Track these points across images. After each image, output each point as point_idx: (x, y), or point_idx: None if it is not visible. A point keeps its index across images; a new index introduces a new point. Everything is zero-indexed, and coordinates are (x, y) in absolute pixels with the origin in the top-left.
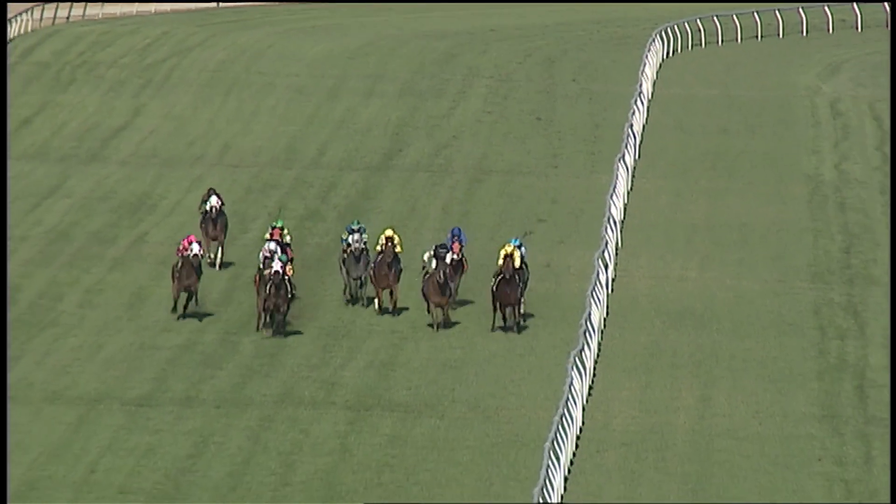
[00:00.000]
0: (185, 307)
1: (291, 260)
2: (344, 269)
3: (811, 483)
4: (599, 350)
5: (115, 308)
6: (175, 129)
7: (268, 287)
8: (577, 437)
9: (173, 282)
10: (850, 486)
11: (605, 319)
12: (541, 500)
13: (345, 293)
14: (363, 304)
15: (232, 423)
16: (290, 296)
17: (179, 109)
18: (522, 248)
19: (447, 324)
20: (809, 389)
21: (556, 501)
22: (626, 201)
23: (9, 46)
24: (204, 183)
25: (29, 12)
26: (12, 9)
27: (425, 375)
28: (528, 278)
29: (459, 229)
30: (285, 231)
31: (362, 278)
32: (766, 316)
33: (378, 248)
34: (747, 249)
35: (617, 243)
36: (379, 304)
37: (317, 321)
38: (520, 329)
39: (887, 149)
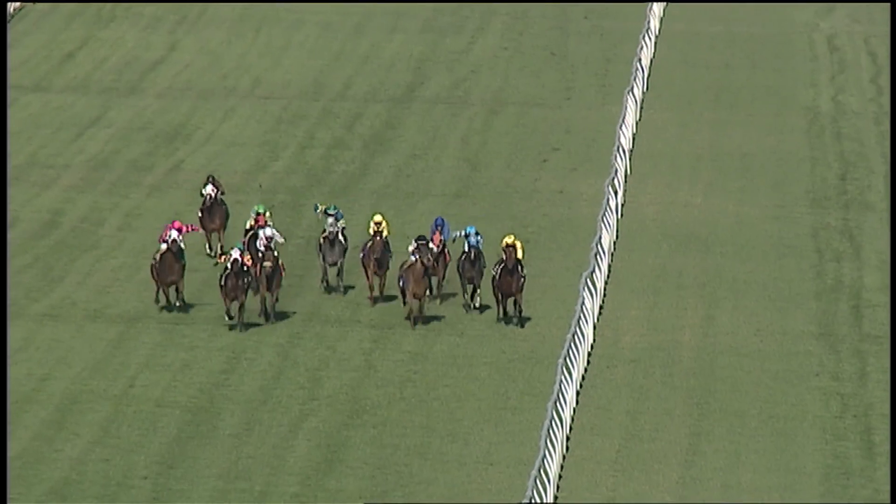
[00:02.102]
0: (169, 300)
1: (270, 245)
2: (320, 256)
3: (809, 397)
4: (610, 272)
5: (153, 232)
6: (209, 63)
7: (225, 278)
8: (589, 354)
9: (153, 275)
10: (846, 399)
11: (614, 243)
12: (554, 414)
13: (322, 281)
14: (342, 292)
15: (263, 341)
16: (247, 286)
17: (213, 44)
18: (480, 237)
19: (424, 319)
20: (808, 309)
21: (569, 414)
22: (634, 131)
23: None
24: (236, 114)
25: None
26: None
27: (446, 294)
28: (484, 265)
29: (443, 219)
30: (268, 215)
31: (339, 264)
32: (766, 240)
33: (370, 231)
34: (749, 177)
35: (626, 171)
36: (370, 291)
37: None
38: (521, 321)
39: (882, 81)
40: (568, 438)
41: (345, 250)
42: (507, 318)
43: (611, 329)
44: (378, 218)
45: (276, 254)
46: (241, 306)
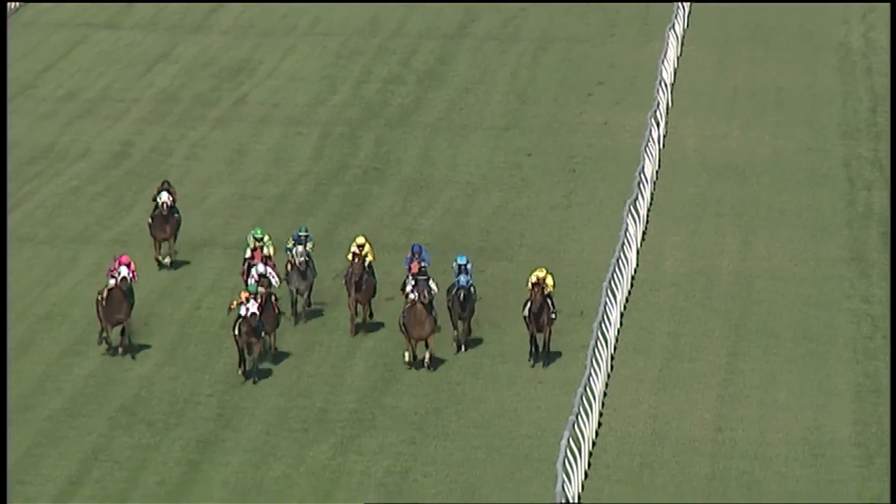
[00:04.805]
0: (119, 343)
1: (273, 267)
2: (289, 283)
3: (841, 318)
4: (652, 200)
5: (218, 162)
6: (271, 3)
7: (238, 326)
8: (632, 278)
9: (98, 313)
10: (877, 321)
11: (657, 172)
12: (599, 335)
13: (292, 308)
14: (304, 321)
15: (322, 265)
16: (262, 336)
17: None
18: (470, 276)
19: (433, 361)
20: (840, 236)
21: (613, 335)
22: (675, 66)
23: None
24: (297, 51)
25: None
26: None
27: (496, 222)
28: (476, 300)
29: (420, 246)
30: (266, 239)
31: (306, 294)
32: (800, 170)
33: (349, 256)
34: (784, 111)
35: (668, 104)
36: (352, 319)
37: (400, 174)
38: (547, 359)
39: None
40: (612, 358)
41: (313, 276)
42: (535, 357)
43: (653, 254)
44: (360, 240)
45: (269, 289)
46: (260, 353)
